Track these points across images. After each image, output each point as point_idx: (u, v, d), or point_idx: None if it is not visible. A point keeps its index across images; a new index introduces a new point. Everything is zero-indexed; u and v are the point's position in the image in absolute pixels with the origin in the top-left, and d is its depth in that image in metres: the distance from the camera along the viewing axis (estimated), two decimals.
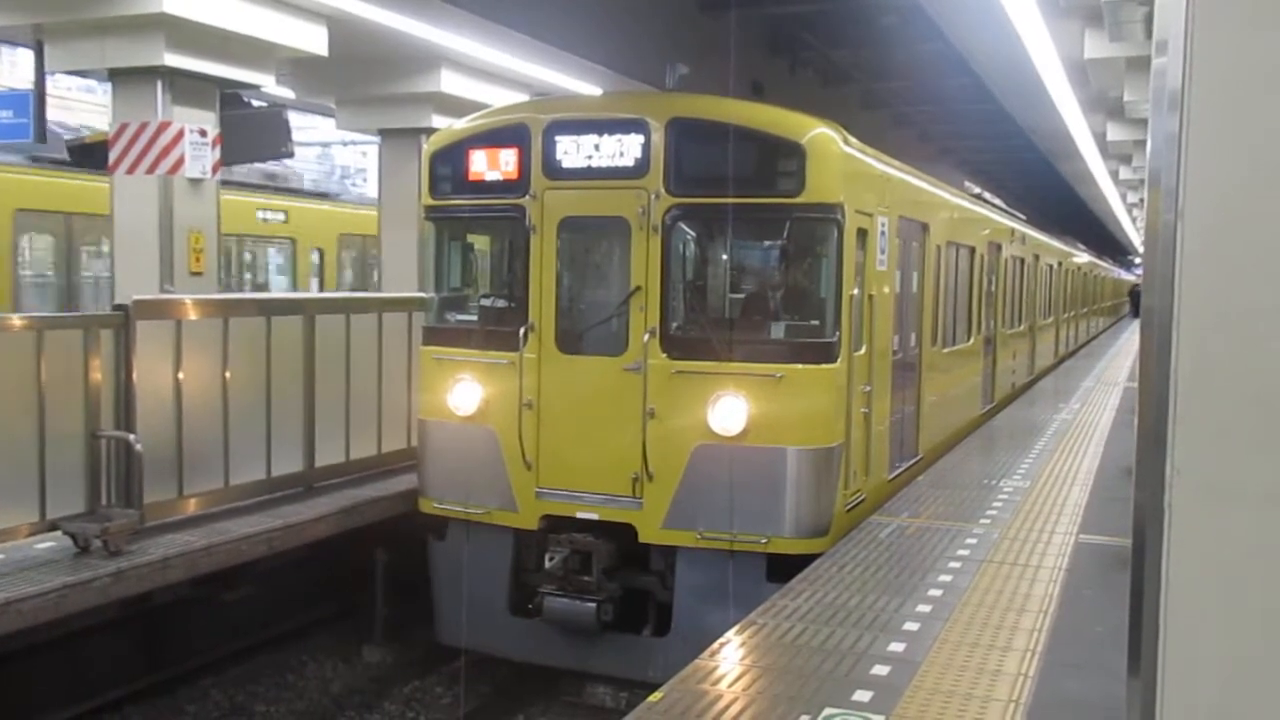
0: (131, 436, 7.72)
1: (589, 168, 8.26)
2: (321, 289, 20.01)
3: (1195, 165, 2.31)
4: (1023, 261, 17.84)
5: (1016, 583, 6.84)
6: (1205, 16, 2.27)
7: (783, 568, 7.53)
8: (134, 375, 7.85)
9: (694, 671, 5.33)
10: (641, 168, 8.11)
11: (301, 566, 9.43)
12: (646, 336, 8.04)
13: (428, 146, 9.18)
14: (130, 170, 10.91)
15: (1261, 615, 2.32)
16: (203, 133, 11.03)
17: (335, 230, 20.77)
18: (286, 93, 15.03)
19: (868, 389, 8.76)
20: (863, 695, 5.02)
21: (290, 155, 16.88)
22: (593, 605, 8.07)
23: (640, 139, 8.11)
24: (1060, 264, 24.14)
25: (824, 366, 8.00)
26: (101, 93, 20.97)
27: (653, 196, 8.07)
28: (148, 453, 7.76)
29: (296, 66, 12.76)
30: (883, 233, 9.06)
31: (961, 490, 9.60)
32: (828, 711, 4.85)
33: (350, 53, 12.69)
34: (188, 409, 8.33)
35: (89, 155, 14.28)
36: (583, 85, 14.69)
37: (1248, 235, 2.30)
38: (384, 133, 15.08)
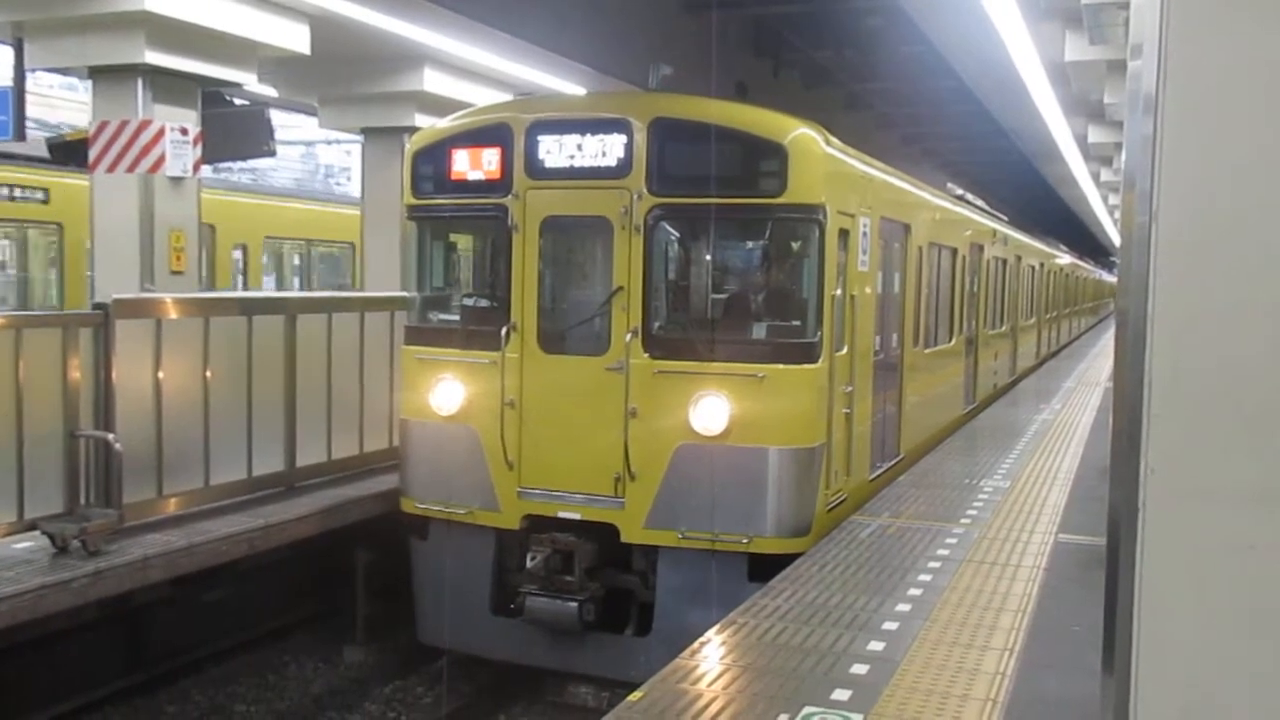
0: (111, 436, 7.68)
1: (571, 167, 8.25)
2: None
3: (1169, 167, 2.33)
4: (1005, 262, 17.90)
5: (996, 582, 6.88)
6: (1179, 21, 2.30)
7: (764, 567, 7.54)
8: (113, 374, 7.81)
9: (674, 670, 5.34)
10: (624, 168, 8.11)
11: (283, 567, 9.39)
12: (628, 336, 8.04)
13: (410, 146, 9.16)
14: (111, 169, 10.83)
15: (1234, 612, 2.34)
16: (184, 131, 10.96)
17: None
18: (269, 91, 14.96)
19: (849, 389, 8.78)
20: (842, 694, 5.04)
21: (272, 154, 16.77)
22: (575, 605, 8.07)
23: (623, 139, 8.11)
24: (1042, 265, 24.23)
25: (805, 367, 8.02)
26: (82, 90, 20.79)
27: (635, 196, 8.07)
28: (127, 452, 7.72)
29: (279, 65, 12.70)
30: (864, 233, 9.08)
31: (942, 490, 9.64)
32: (807, 710, 4.86)
33: (333, 51, 12.63)
34: (168, 408, 8.30)
35: (70, 154, 14.18)
36: (566, 85, 14.67)
37: (1221, 237, 2.33)
38: (367, 131, 15.03)
